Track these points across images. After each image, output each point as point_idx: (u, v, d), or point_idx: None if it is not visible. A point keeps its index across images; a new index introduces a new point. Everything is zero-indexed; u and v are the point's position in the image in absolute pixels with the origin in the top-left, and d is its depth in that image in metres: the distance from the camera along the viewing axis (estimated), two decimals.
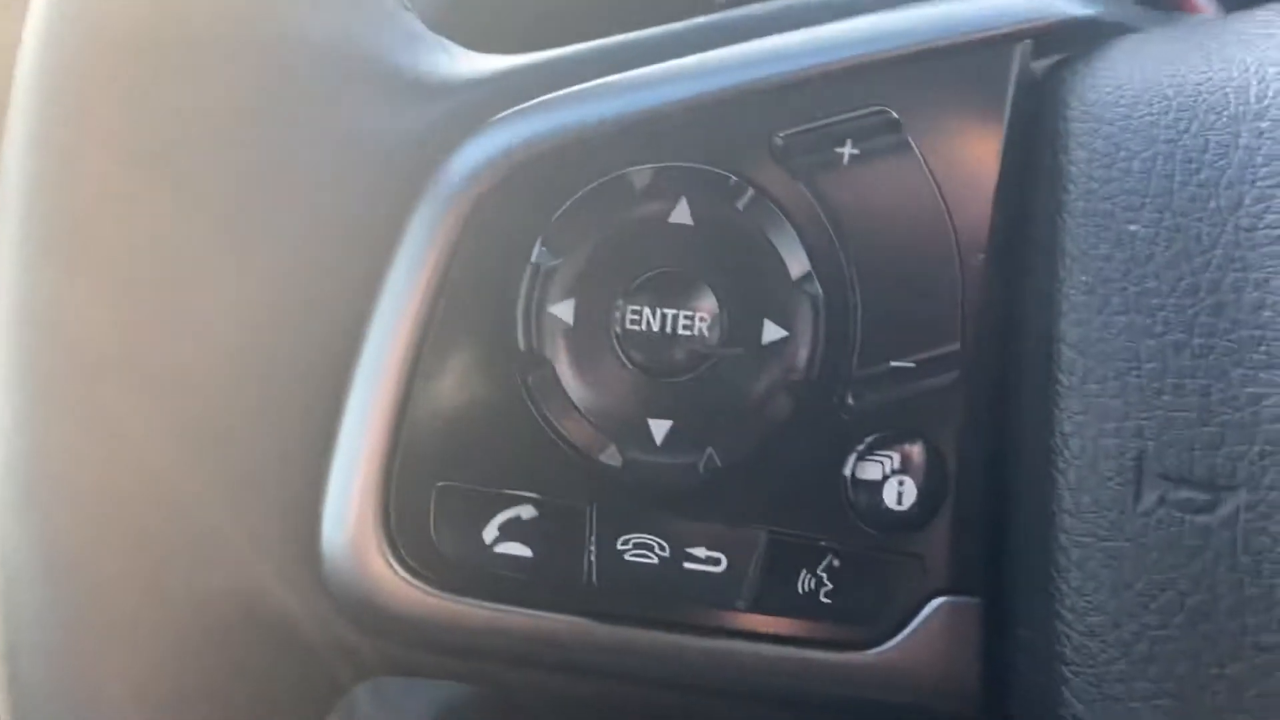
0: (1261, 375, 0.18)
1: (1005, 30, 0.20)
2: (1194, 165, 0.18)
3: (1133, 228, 0.19)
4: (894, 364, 0.20)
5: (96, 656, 0.20)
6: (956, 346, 0.20)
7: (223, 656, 0.20)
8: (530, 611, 0.20)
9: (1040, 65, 0.21)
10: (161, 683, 0.20)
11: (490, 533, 0.20)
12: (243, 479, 0.20)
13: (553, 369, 0.20)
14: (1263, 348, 0.18)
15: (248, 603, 0.20)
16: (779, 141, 0.20)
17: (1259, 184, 0.18)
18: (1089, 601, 0.18)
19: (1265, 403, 0.17)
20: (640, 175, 0.19)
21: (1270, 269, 0.18)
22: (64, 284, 0.19)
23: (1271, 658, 0.17)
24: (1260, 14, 0.21)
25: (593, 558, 0.20)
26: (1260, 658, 0.17)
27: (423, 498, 0.20)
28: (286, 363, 0.20)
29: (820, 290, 0.20)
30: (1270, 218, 0.18)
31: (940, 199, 0.20)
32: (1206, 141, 0.18)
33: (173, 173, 0.19)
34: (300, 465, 0.20)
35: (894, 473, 0.20)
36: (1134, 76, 0.20)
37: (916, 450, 0.20)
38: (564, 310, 0.20)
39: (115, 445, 0.19)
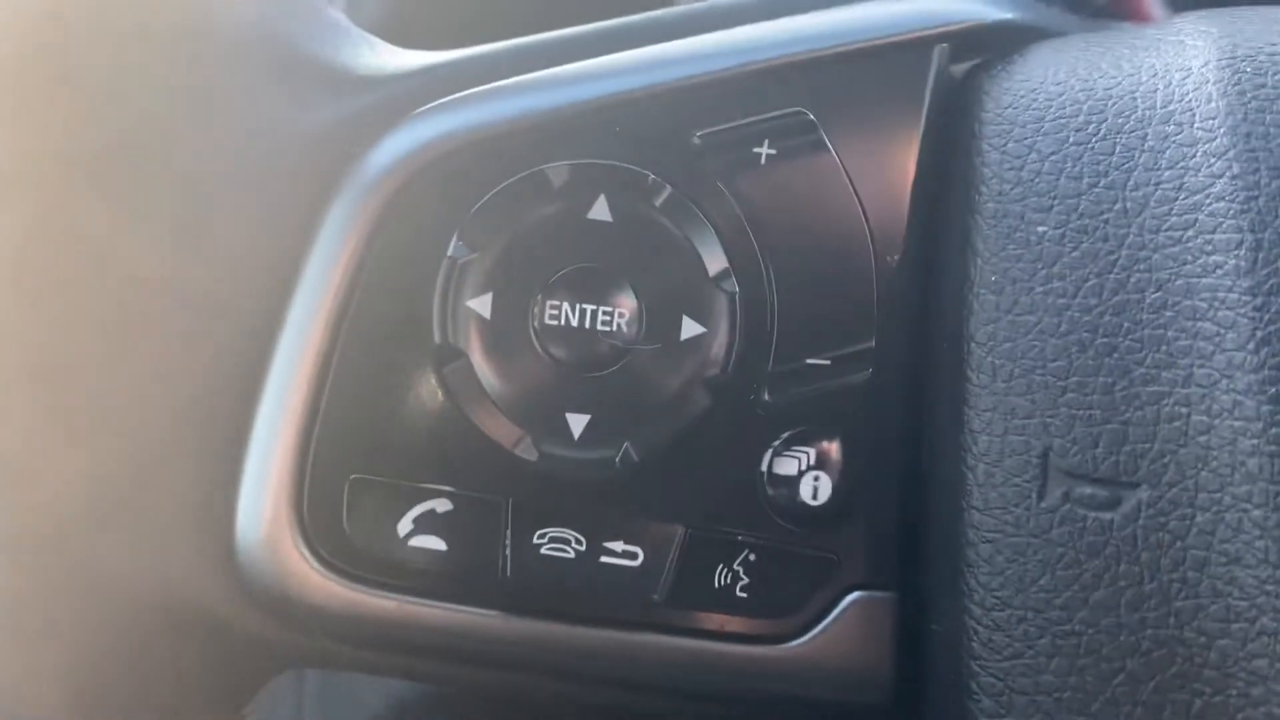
0: (1163, 374, 0.18)
1: (923, 34, 0.20)
2: (1101, 168, 0.19)
3: (1041, 229, 0.19)
4: (810, 361, 0.20)
5: (12, 650, 0.20)
6: (871, 344, 0.20)
7: (141, 650, 0.20)
8: (445, 605, 0.20)
9: (959, 68, 0.21)
10: (80, 676, 0.20)
11: (405, 526, 0.20)
12: (157, 471, 0.19)
13: (469, 362, 0.20)
14: (1164, 347, 0.18)
15: (164, 595, 0.20)
16: (697, 141, 0.20)
17: (1163, 186, 0.18)
18: (996, 597, 0.19)
19: (1165, 401, 0.18)
20: (558, 172, 0.19)
21: (1173, 270, 0.18)
22: None
23: (1168, 652, 0.18)
24: (1175, 22, 0.22)
25: (508, 552, 0.20)
26: (1158, 652, 0.18)
27: (336, 490, 0.20)
28: (201, 354, 0.20)
29: (737, 288, 0.20)
30: (1173, 220, 0.18)
31: (856, 199, 0.20)
32: (1114, 145, 0.19)
33: (85, 165, 0.19)
34: (214, 458, 0.20)
35: (810, 468, 0.20)
36: (1047, 81, 0.20)
37: (832, 446, 0.20)
38: (481, 304, 0.20)
39: (30, 436, 0.19)
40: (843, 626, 0.21)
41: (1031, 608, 0.18)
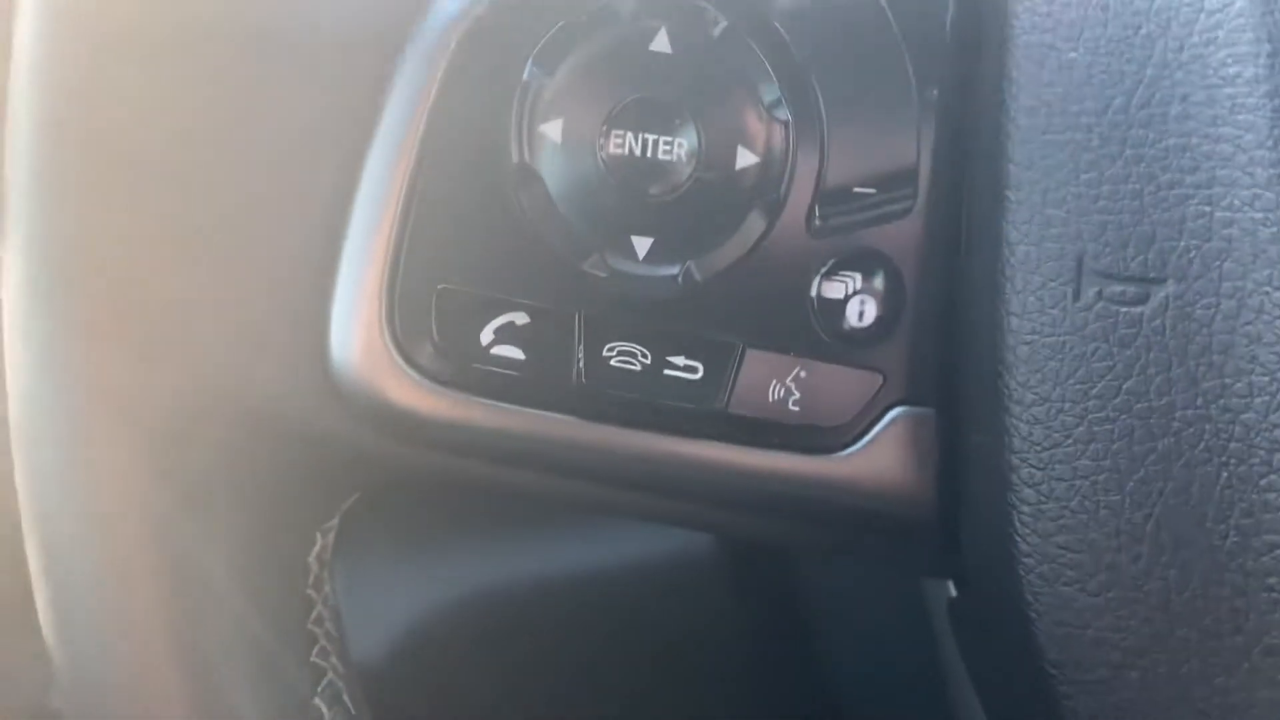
0: (1188, 179, 0.19)
1: None
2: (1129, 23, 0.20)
3: (1071, 55, 0.20)
4: (857, 189, 0.22)
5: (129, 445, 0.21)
6: (914, 170, 0.22)
7: (243, 457, 0.22)
8: (524, 409, 0.21)
9: None
10: (188, 477, 0.21)
11: (487, 335, 0.21)
12: (255, 287, 0.21)
13: (543, 183, 0.21)
14: (1188, 154, 0.20)
15: (266, 407, 0.21)
16: None
17: (1184, 9, 0.20)
18: (1035, 394, 0.20)
19: (1190, 202, 0.19)
20: (625, 4, 0.21)
21: (1193, 84, 0.20)
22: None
23: (1195, 430, 0.19)
24: None
25: (581, 363, 0.21)
26: (1187, 430, 0.19)
27: (425, 302, 0.21)
28: (296, 182, 0.21)
29: (790, 116, 0.21)
30: (1195, 39, 0.20)
31: (898, 34, 0.21)
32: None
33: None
34: (309, 273, 0.21)
35: (856, 292, 0.22)
36: None
37: (878, 271, 0.22)
38: (553, 129, 0.21)
39: (132, 246, 0.20)
40: (886, 440, 0.22)
41: (1069, 399, 0.20)
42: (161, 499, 0.21)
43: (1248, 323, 0.19)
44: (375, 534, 0.45)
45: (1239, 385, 0.19)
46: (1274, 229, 0.19)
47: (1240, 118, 0.19)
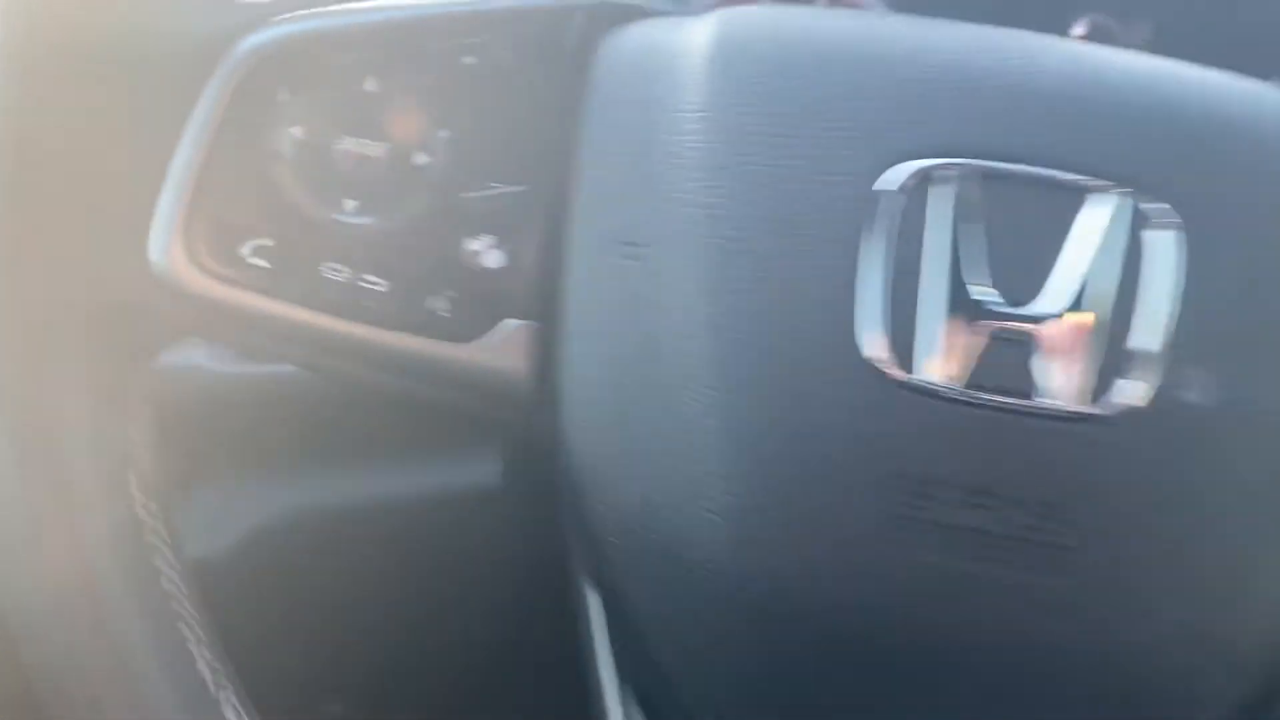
0: (673, 187, 0.33)
1: (567, 6, 0.36)
2: (643, 96, 0.34)
3: (615, 134, 0.34)
4: (491, 182, 0.35)
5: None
6: (526, 187, 0.35)
7: (103, 313, 0.34)
8: (262, 298, 0.34)
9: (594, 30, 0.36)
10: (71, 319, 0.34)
11: (246, 250, 0.34)
12: (112, 219, 0.34)
13: (290, 164, 0.34)
14: (670, 173, 0.33)
15: (112, 295, 0.34)
16: (427, 46, 0.35)
17: (668, 113, 0.33)
18: (578, 312, 0.34)
19: (659, 197, 0.33)
20: (347, 58, 0.34)
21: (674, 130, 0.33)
22: None
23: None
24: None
25: (304, 272, 0.34)
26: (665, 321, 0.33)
27: (209, 228, 0.34)
28: (141, 153, 0.34)
29: (428, 159, 0.35)
30: (671, 138, 0.32)
31: (515, 104, 0.35)
32: (647, 80, 0.34)
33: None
34: (142, 210, 0.34)
35: (491, 247, 0.35)
36: (635, 37, 0.35)
37: (506, 232, 0.35)
38: (298, 131, 0.34)
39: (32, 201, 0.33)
40: (498, 339, 0.35)
41: (598, 322, 0.33)
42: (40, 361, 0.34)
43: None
44: (219, 461, 0.57)
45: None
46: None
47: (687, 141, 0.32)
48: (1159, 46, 0.75)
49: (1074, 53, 0.34)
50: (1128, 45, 0.75)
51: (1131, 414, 0.30)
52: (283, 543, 0.60)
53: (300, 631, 0.52)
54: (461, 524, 0.61)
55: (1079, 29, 0.77)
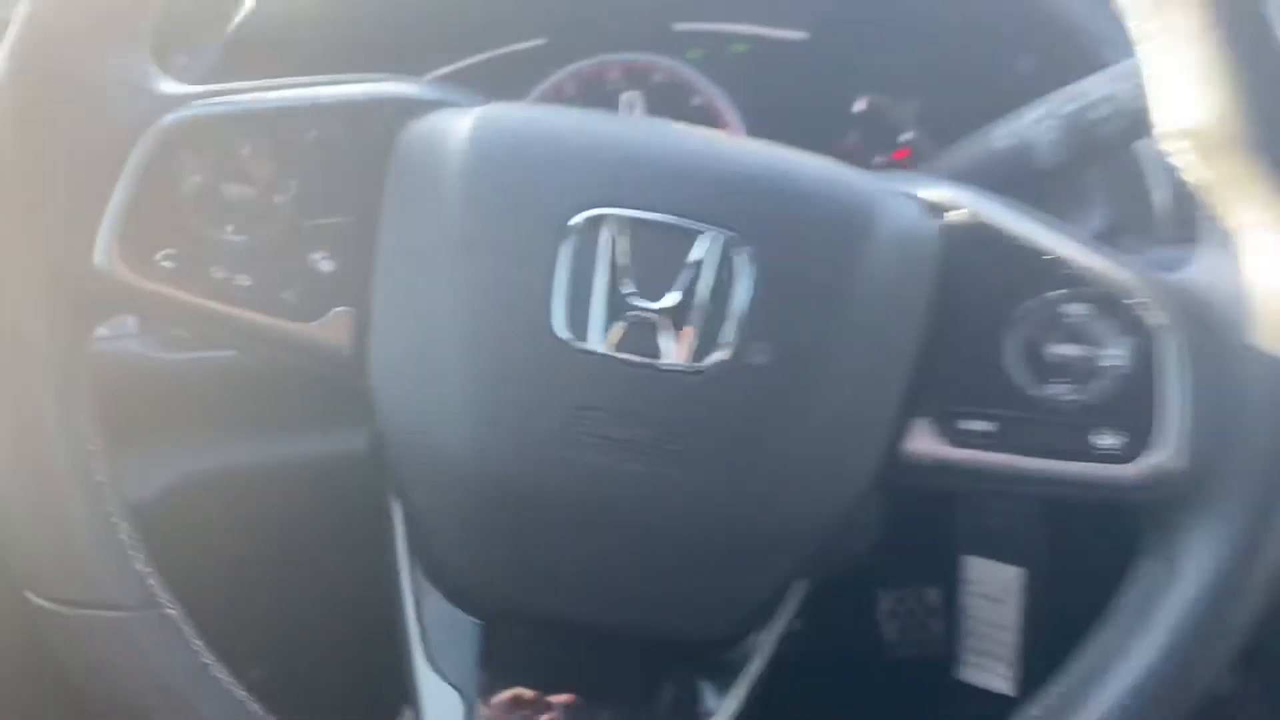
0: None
1: (379, 99, 0.53)
2: (427, 157, 0.51)
3: (416, 213, 0.51)
4: (325, 219, 0.52)
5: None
6: (349, 217, 0.52)
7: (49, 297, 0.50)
8: (175, 291, 0.50)
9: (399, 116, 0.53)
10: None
11: (159, 257, 0.50)
12: (73, 230, 0.50)
13: (193, 195, 0.51)
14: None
15: (64, 280, 0.50)
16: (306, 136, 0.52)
17: (440, 171, 0.51)
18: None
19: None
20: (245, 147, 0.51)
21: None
22: None
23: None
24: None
25: (208, 272, 0.51)
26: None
27: (135, 244, 0.50)
28: (88, 190, 0.50)
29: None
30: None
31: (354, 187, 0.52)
32: (433, 148, 0.51)
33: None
34: (89, 228, 0.50)
35: (326, 258, 0.52)
36: (426, 122, 0.52)
37: (336, 249, 0.52)
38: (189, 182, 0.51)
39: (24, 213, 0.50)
40: (332, 321, 0.52)
41: (409, 318, 0.51)
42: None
43: None
44: (137, 430, 0.71)
45: None
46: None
47: (449, 194, 0.50)
48: (925, 119, 0.96)
49: (700, 137, 0.52)
50: (902, 118, 0.95)
51: (719, 367, 0.47)
52: (188, 503, 0.71)
53: (211, 593, 0.58)
54: (338, 484, 0.76)
55: (860, 104, 0.96)
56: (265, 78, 0.52)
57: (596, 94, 0.87)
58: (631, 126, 0.50)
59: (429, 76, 0.83)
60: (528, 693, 0.54)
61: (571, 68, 0.87)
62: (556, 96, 0.87)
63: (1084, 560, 0.62)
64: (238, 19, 0.74)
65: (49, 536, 0.47)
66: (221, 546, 0.74)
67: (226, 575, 0.71)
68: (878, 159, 0.90)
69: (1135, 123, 0.60)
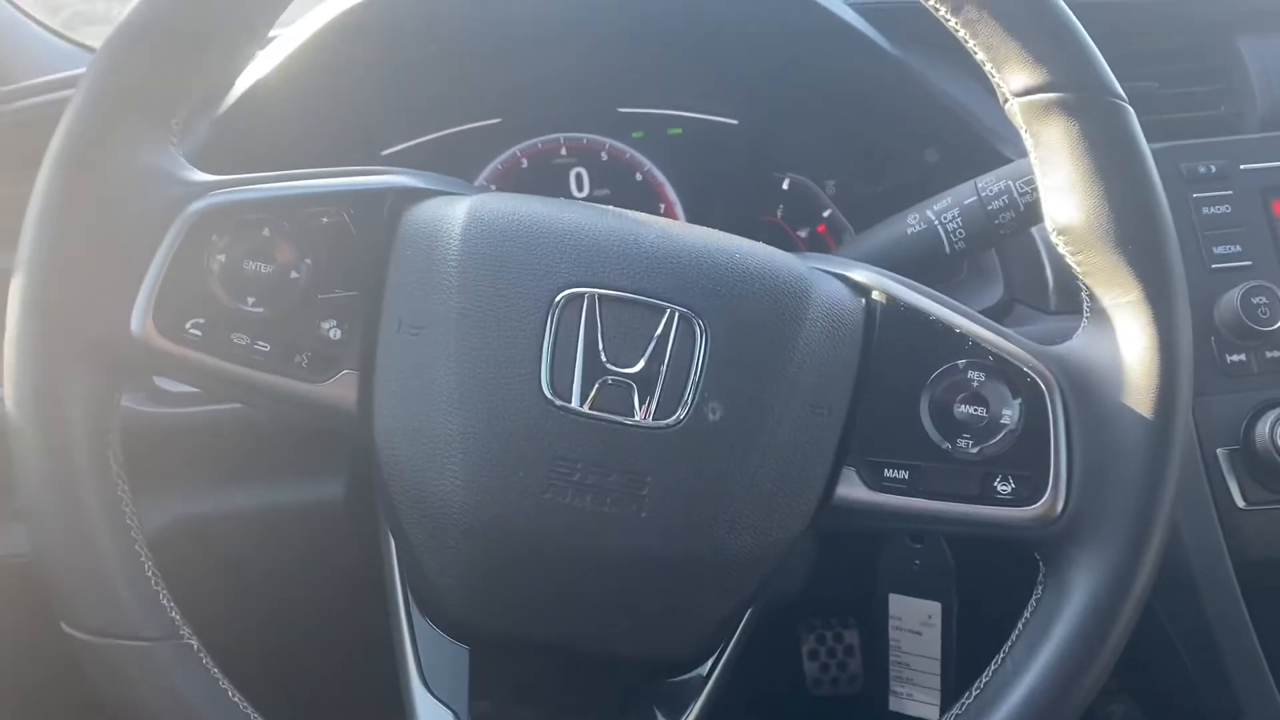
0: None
1: (379, 188, 0.60)
2: (426, 242, 0.59)
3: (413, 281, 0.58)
4: (336, 293, 0.60)
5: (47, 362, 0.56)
6: (356, 291, 0.60)
7: (90, 368, 0.56)
8: (204, 355, 0.57)
9: (402, 203, 0.61)
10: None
11: (188, 325, 0.57)
12: (111, 302, 0.56)
13: (219, 283, 0.58)
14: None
15: (102, 345, 0.56)
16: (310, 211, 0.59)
17: (437, 253, 0.58)
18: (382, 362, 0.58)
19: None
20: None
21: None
22: None
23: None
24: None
25: (231, 340, 0.58)
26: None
27: (168, 316, 0.57)
28: (131, 264, 0.57)
29: (312, 262, 0.59)
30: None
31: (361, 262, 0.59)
32: (430, 233, 0.59)
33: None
34: (128, 298, 0.56)
35: (335, 326, 0.59)
36: (426, 207, 0.60)
37: (345, 319, 0.59)
38: (222, 257, 0.58)
39: (71, 285, 0.56)
40: (338, 382, 0.59)
41: (393, 377, 0.58)
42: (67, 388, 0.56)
43: None
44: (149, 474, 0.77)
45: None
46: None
47: (447, 274, 0.58)
48: (841, 198, 1.06)
49: (661, 225, 0.60)
50: (821, 196, 1.05)
51: (679, 424, 0.56)
52: (178, 545, 0.73)
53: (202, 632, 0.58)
54: (311, 530, 0.83)
55: (785, 183, 1.05)
56: (249, 153, 0.58)
57: (547, 169, 0.95)
58: (602, 215, 0.58)
59: (396, 148, 0.92)
60: None
61: (525, 144, 0.95)
62: (511, 169, 0.95)
63: (993, 592, 0.71)
64: (225, 105, 0.81)
65: (83, 572, 0.52)
66: (210, 588, 0.80)
67: (215, 615, 0.76)
68: (802, 231, 1.00)
69: (1027, 215, 0.71)
